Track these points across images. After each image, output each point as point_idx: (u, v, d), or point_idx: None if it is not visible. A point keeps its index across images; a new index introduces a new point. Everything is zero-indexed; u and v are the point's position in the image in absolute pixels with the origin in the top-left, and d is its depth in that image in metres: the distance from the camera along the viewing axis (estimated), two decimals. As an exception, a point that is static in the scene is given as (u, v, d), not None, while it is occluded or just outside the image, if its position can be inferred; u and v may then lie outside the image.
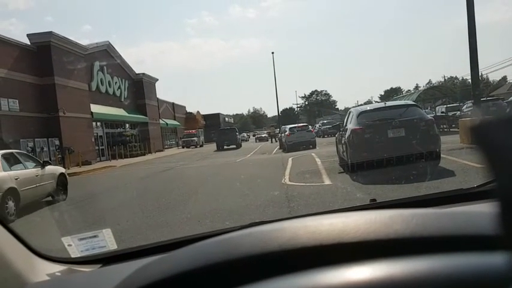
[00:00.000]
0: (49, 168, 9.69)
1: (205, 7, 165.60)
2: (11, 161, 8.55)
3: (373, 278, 0.40)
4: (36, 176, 8.89)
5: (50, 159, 22.01)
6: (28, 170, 8.76)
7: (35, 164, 9.29)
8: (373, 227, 0.50)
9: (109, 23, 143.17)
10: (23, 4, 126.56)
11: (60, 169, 10.73)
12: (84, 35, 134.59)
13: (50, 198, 9.45)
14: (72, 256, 1.34)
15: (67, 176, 10.68)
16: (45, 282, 1.05)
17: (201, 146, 45.05)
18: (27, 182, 8.40)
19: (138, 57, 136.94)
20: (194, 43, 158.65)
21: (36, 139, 21.50)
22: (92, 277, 1.14)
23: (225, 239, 0.56)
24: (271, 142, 35.26)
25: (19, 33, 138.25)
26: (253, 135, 54.72)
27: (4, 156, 8.30)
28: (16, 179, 8.02)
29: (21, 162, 8.84)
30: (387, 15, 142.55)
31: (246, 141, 48.96)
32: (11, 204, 7.53)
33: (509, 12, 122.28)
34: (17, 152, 9.42)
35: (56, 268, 1.16)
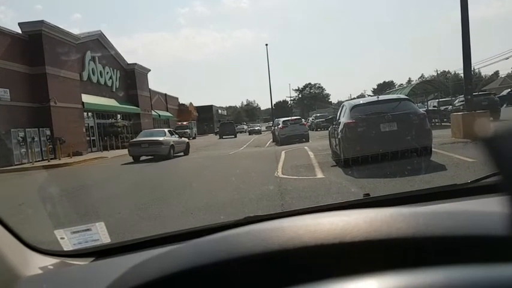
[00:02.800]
0: (183, 138, 20.61)
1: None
2: (170, 133, 19.13)
3: None
4: (178, 141, 19.30)
5: (41, 150, 22.17)
6: (175, 138, 19.21)
7: (177, 136, 19.92)
8: (374, 226, 0.50)
9: (99, 12, 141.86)
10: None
11: (186, 140, 21.04)
12: (74, 24, 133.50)
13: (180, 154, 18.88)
14: (65, 249, 1.33)
15: (189, 143, 20.91)
16: (37, 276, 1.04)
17: (194, 138, 45.01)
18: (176, 143, 18.76)
19: (129, 47, 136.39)
20: (186, 33, 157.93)
21: (27, 129, 21.31)
22: (85, 270, 1.13)
23: (224, 237, 0.55)
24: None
25: (8, 21, 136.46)
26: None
27: (168, 131, 19.42)
28: (173, 141, 18.44)
29: (173, 134, 19.47)
30: (381, 9, 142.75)
31: (245, 132, 49.48)
32: (171, 151, 17.65)
33: (502, 8, 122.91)
34: (172, 130, 21.49)
35: (49, 261, 1.15)
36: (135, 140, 18.88)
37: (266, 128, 52.55)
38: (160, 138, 17.71)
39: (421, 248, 0.47)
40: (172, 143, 18.09)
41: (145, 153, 17.56)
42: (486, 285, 0.38)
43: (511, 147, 0.37)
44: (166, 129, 19.82)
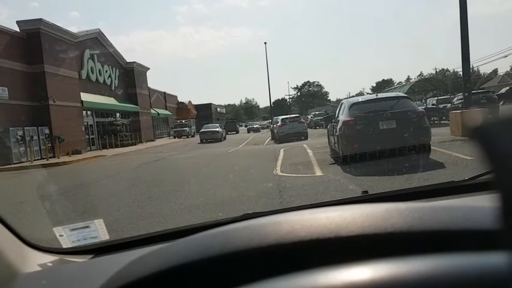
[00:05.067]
0: (223, 130, 33.10)
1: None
2: (220, 127, 32.92)
3: (375, 279, 0.39)
4: (223, 131, 32.68)
5: (40, 148, 22.14)
6: (222, 129, 32.28)
7: (222, 128, 33.83)
8: (370, 221, 0.50)
9: (97, 10, 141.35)
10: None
11: (224, 131, 33.99)
12: (72, 22, 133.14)
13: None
14: (64, 246, 1.33)
15: (224, 133, 33.34)
16: (36, 273, 1.05)
17: (193, 136, 45.00)
18: (223, 132, 32.44)
19: (127, 45, 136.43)
20: (184, 32, 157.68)
21: (25, 127, 21.26)
22: (84, 268, 1.13)
23: (220, 232, 0.56)
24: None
25: (4, 19, 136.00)
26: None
27: (218, 125, 34.08)
28: (222, 131, 31.98)
29: (220, 127, 33.24)
30: (380, 6, 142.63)
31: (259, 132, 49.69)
32: (222, 137, 31.05)
33: (502, 5, 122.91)
34: (219, 124, 36.96)
35: (47, 258, 1.15)
36: (203, 130, 31.00)
37: (265, 125, 52.60)
38: (217, 129, 31.11)
39: (416, 241, 0.47)
40: (222, 132, 31.63)
41: (209, 138, 29.57)
42: (471, 270, 0.39)
43: (502, 137, 0.37)
44: (217, 124, 35.35)
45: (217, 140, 29.02)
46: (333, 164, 9.48)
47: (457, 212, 0.52)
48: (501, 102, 23.29)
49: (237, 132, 48.10)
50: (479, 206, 0.52)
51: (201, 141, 29.08)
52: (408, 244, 0.46)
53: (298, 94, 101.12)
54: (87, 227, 1.43)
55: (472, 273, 0.39)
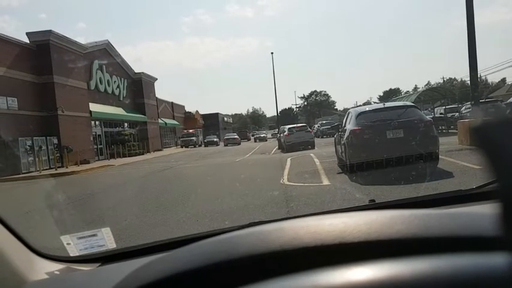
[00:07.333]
0: (238, 136, 46.30)
1: (200, 5, 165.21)
2: (237, 135, 48.11)
3: (376, 279, 0.40)
4: (239, 137, 45.26)
5: (48, 158, 22.33)
6: (238, 136, 45.54)
7: (237, 136, 46.13)
8: (374, 227, 0.50)
9: (104, 21, 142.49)
10: (16, 1, 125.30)
11: (239, 137, 45.74)
12: (79, 33, 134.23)
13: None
14: (71, 255, 1.34)
15: (240, 139, 45.43)
16: (43, 281, 1.05)
17: (200, 145, 45.14)
18: (239, 138, 45.55)
19: (134, 56, 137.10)
20: (191, 42, 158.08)
21: (34, 137, 21.46)
22: (91, 276, 1.14)
23: (225, 239, 0.56)
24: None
25: (12, 31, 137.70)
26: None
27: (236, 133, 49.93)
28: (239, 137, 45.88)
29: (236, 134, 48.91)
30: (386, 16, 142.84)
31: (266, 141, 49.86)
32: (240, 141, 44.23)
33: (509, 14, 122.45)
34: (237, 133, 52.69)
35: (55, 267, 1.16)
36: (226, 137, 43.23)
37: (272, 135, 52.58)
38: (236, 136, 43.35)
39: (421, 247, 0.47)
40: (239, 138, 43.17)
41: (231, 143, 40.52)
42: (471, 269, 0.39)
43: (501, 142, 0.37)
44: (235, 133, 47.84)
45: (235, 144, 40.18)
46: (340, 173, 9.45)
47: (462, 219, 0.52)
48: (508, 111, 23.13)
49: (248, 139, 54.28)
50: (485, 213, 0.52)
51: (225, 145, 40.16)
52: (413, 250, 0.46)
53: (305, 103, 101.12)
54: (94, 235, 1.44)
55: (472, 273, 0.39)
